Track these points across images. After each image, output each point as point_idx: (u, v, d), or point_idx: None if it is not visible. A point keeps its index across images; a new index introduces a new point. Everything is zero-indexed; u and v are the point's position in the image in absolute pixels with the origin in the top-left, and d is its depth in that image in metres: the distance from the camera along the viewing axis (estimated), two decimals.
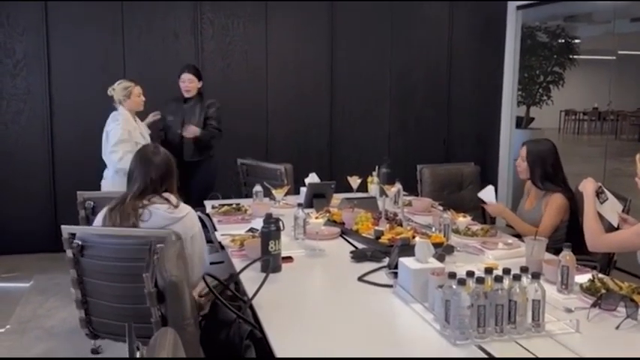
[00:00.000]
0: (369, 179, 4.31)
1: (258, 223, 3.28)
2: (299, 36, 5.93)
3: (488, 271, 1.87)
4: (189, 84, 4.84)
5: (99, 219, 2.59)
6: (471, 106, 6.43)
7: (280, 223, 2.59)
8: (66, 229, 2.39)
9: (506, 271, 1.89)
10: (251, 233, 3.14)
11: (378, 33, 6.10)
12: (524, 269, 1.91)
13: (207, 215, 3.76)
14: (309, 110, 6.06)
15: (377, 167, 4.30)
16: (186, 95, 4.85)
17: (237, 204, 3.82)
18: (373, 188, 4.18)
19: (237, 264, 2.65)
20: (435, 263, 2.16)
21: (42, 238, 5.33)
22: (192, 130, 4.67)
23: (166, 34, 5.59)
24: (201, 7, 5.62)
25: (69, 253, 2.41)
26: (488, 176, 6.40)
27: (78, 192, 3.22)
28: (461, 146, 6.44)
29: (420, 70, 6.28)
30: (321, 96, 6.06)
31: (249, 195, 4.65)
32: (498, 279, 1.83)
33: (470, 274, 1.83)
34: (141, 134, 4.38)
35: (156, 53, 5.57)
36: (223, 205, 3.82)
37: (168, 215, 2.49)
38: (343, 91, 6.09)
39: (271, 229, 2.52)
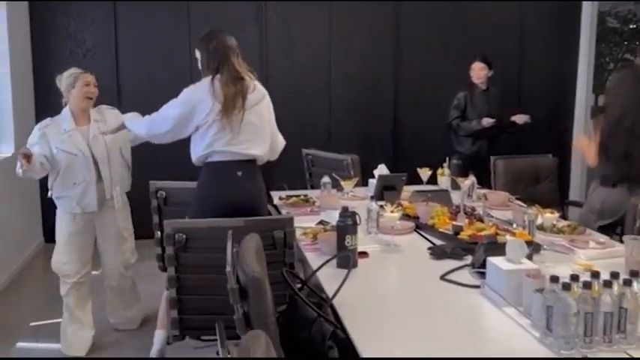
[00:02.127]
0: (439, 171, 4.15)
1: (328, 216, 3.21)
2: (363, 21, 5.79)
3: (595, 274, 1.71)
4: (479, 72, 5.02)
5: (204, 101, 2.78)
6: (543, 94, 6.14)
7: (357, 216, 2.49)
8: (170, 224, 2.38)
9: (614, 274, 1.73)
10: (322, 226, 3.06)
11: (445, 17, 5.88)
12: (634, 273, 1.74)
13: (275, 207, 3.71)
14: (373, 98, 5.92)
15: (447, 159, 4.14)
16: (477, 82, 5.03)
17: (305, 195, 3.75)
18: (444, 181, 4.02)
19: (311, 258, 2.57)
20: (528, 264, 2.02)
21: None
22: (523, 117, 4.92)
23: (232, 22, 5.55)
24: None
25: (170, 250, 2.37)
26: (562, 168, 6.12)
27: (150, 181, 3.21)
28: (531, 136, 6.15)
29: (489, 57, 6.02)
30: (385, 83, 5.92)
31: (314, 186, 4.59)
32: (607, 284, 1.67)
33: (574, 277, 1.69)
34: (74, 143, 3.28)
35: None
36: (290, 196, 3.76)
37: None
38: (409, 78, 5.92)
39: (348, 223, 2.42)
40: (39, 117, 5.32)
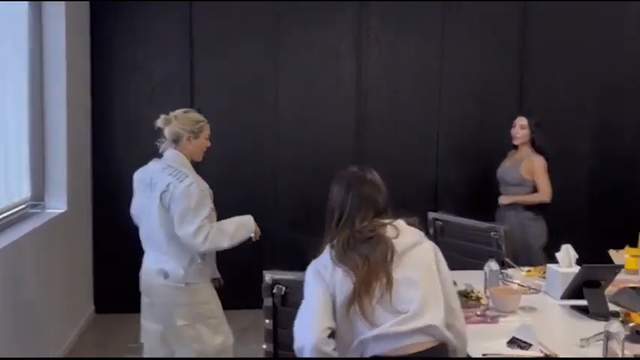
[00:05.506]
0: (629, 251, 3.08)
1: (522, 331, 2.14)
2: (482, 54, 4.80)
3: None
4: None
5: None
6: None
7: None
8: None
9: None
10: (521, 351, 2.03)
11: (580, 45, 4.82)
12: None
13: None
14: (489, 147, 4.86)
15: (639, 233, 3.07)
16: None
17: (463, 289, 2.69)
18: None
19: None
20: None
21: None
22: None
23: (326, 53, 4.65)
24: (368, 22, 4.64)
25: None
26: None
27: (264, 272, 2.27)
28: None
29: (630, 98, 4.93)
30: (503, 129, 4.85)
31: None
32: None
33: None
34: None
35: (313, 76, 4.65)
36: None
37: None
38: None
39: None
40: (96, 167, 4.49)
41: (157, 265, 2.66)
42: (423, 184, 4.82)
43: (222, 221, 2.71)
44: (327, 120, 4.70)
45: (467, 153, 4.85)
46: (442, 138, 4.81)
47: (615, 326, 1.91)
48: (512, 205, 3.94)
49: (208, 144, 2.81)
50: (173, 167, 2.64)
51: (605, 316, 2.37)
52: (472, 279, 2.85)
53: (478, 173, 4.82)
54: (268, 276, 2.21)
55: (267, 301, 2.21)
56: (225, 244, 2.66)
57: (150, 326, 2.77)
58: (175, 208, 2.56)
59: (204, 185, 2.68)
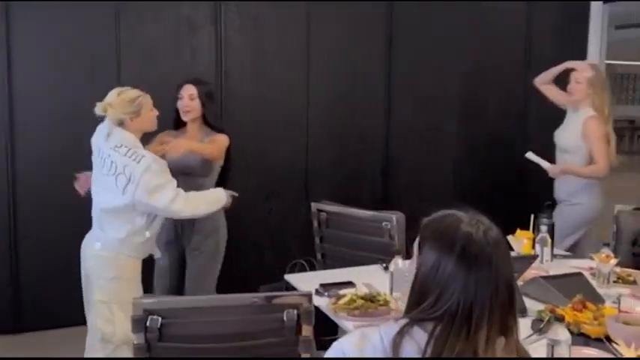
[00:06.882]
0: (520, 234, 2.94)
1: None
2: (350, 30, 4.49)
3: None
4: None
5: None
6: (555, 124, 5.17)
7: None
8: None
9: None
10: None
11: (447, 31, 4.73)
12: None
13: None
14: (360, 128, 4.63)
15: (532, 216, 2.94)
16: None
17: (366, 292, 2.34)
18: (539, 250, 2.79)
19: None
20: None
21: None
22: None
23: (178, 23, 4.02)
24: None
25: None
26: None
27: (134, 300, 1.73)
28: (537, 175, 5.15)
29: (493, 77, 4.98)
30: (374, 109, 4.65)
31: (326, 255, 3.23)
32: None
33: None
34: None
35: (163, 49, 4.00)
36: (333, 285, 2.35)
37: None
38: (402, 102, 4.69)
39: None
40: None
41: (95, 233, 2.66)
42: (292, 170, 4.43)
43: (195, 192, 2.74)
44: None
45: (339, 136, 4.54)
46: (312, 119, 4.44)
47: (560, 332, 1.66)
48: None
49: (156, 113, 2.78)
50: (127, 147, 2.58)
51: (522, 311, 2.17)
52: (371, 277, 2.56)
53: (351, 158, 4.57)
54: (140, 306, 1.76)
55: (139, 338, 1.79)
56: (203, 210, 2.74)
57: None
58: (141, 188, 2.52)
59: (162, 160, 2.64)
